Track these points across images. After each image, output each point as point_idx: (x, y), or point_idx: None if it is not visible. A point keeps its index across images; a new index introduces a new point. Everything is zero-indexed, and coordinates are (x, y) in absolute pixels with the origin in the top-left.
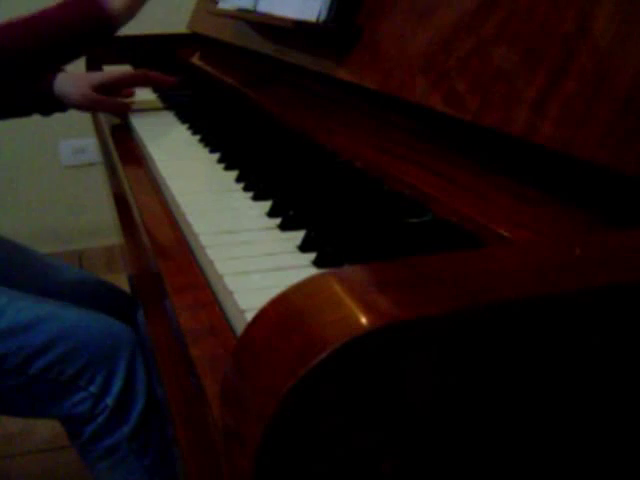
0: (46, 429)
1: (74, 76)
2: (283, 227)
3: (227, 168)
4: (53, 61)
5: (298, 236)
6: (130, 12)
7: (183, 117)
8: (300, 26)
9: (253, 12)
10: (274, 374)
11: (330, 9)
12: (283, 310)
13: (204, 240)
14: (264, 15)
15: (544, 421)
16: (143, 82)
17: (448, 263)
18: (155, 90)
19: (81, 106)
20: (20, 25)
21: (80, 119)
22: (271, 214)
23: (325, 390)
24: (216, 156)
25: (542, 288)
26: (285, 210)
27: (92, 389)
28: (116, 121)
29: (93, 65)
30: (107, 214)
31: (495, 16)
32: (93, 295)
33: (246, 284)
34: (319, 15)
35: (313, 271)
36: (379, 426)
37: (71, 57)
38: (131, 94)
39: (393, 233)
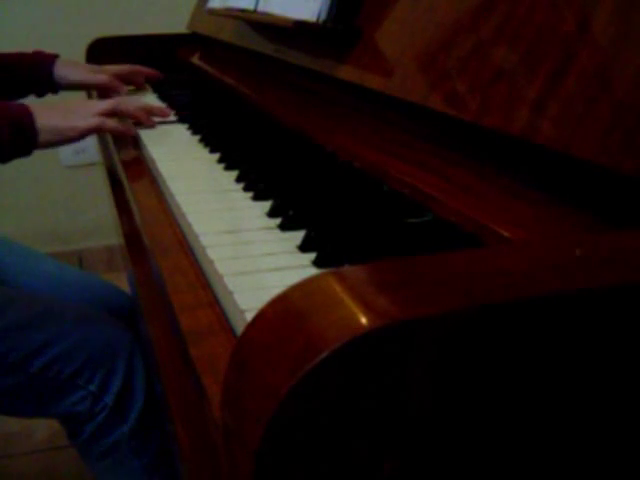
0: (46, 429)
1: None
2: (283, 227)
3: (227, 168)
4: None
5: (298, 236)
6: (54, 145)
7: (183, 117)
8: (300, 26)
9: (253, 12)
10: (274, 374)
11: (330, 9)
12: (283, 310)
13: (204, 240)
14: (264, 15)
15: (544, 421)
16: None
17: (448, 263)
18: (155, 90)
19: (81, 84)
20: None
21: None
22: (271, 214)
23: (325, 390)
24: (216, 156)
25: (542, 288)
26: (285, 210)
27: (91, 388)
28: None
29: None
30: (107, 214)
31: (495, 16)
32: (93, 295)
33: (246, 284)
34: (319, 15)
35: (313, 271)
36: (379, 426)
37: None
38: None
39: (393, 233)
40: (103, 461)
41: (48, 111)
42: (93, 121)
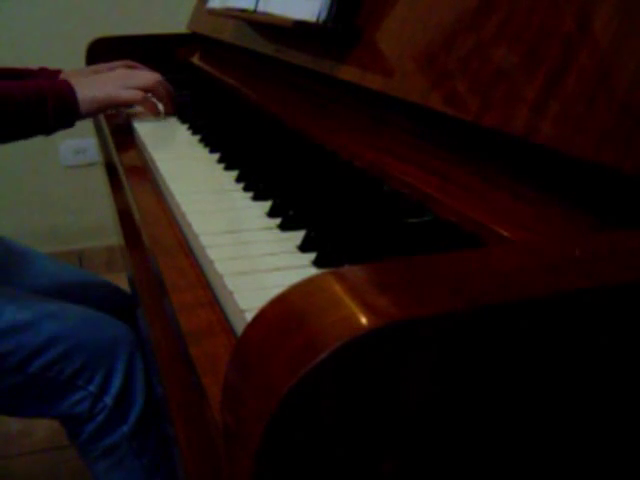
0: (46, 429)
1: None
2: (283, 227)
3: (227, 168)
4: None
5: (298, 236)
6: (92, 115)
7: (183, 117)
8: (300, 26)
9: (253, 12)
10: (274, 374)
11: (330, 9)
12: (283, 310)
13: (204, 240)
14: (264, 15)
15: (544, 421)
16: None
17: (448, 263)
18: None
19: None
20: None
21: None
22: (271, 214)
23: (325, 390)
24: (216, 156)
25: (542, 288)
26: (285, 210)
27: (91, 388)
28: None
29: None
30: (107, 214)
31: (495, 16)
32: (93, 294)
33: (246, 284)
34: (319, 15)
35: (313, 271)
36: (379, 426)
37: (17, 135)
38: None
39: (393, 233)
40: (103, 461)
41: (87, 83)
42: (133, 93)
